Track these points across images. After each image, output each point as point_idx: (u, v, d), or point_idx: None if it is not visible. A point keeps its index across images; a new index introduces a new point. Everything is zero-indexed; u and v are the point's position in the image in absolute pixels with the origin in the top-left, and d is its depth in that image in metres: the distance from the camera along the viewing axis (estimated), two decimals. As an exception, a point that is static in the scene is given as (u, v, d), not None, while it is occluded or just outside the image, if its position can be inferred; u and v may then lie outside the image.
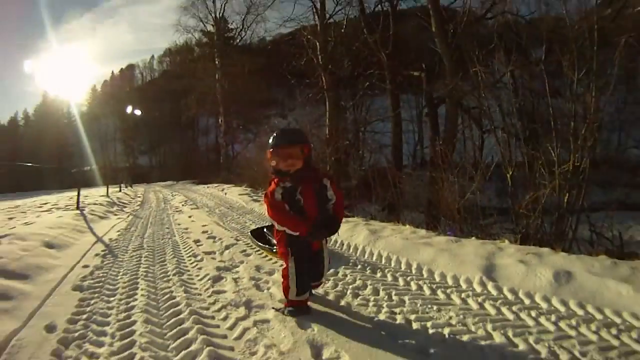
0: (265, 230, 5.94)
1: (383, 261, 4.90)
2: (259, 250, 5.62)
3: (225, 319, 3.24)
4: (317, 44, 14.13)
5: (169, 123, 51.61)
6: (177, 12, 45.59)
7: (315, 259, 3.27)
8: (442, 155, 7.84)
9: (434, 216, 8.09)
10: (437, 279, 4.21)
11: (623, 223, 7.84)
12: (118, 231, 7.90)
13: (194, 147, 50.45)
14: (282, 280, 3.26)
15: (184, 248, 6.17)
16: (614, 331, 2.93)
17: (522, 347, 2.71)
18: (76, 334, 2.93)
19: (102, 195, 15.55)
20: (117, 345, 2.76)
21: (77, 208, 10.47)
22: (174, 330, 3.00)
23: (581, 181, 6.83)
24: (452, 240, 5.47)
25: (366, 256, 5.21)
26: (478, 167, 7.51)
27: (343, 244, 5.90)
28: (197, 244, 6.36)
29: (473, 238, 5.80)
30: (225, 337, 2.91)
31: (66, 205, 11.64)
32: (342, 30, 14.63)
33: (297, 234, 3.01)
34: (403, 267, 4.63)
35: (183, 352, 2.64)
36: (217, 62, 34.55)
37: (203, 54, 38.57)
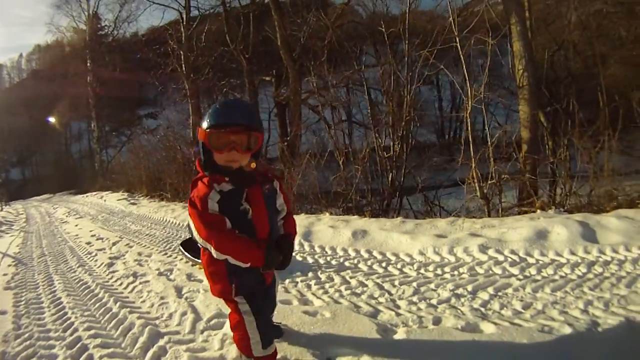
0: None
1: None
2: (144, 244, 7.07)
3: (120, 284, 4.78)
4: (181, 53, 15.16)
5: (39, 129, 48.31)
6: (49, 8, 41.93)
7: (269, 292, 2.48)
8: (284, 150, 9.78)
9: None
10: None
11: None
12: (17, 245, 8.67)
13: (68, 154, 46.26)
14: (232, 333, 2.40)
15: (79, 249, 7.40)
16: (383, 264, 4.17)
17: (310, 275, 4.09)
18: (22, 312, 4.21)
19: None
20: (54, 310, 4.16)
21: (-33, 230, 11.12)
22: (89, 296, 4.48)
23: (397, 163, 8.30)
24: None
25: None
26: (314, 156, 9.05)
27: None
28: (89, 245, 7.60)
29: (303, 214, 7.64)
30: (122, 293, 4.47)
31: None
32: (202, 44, 15.73)
33: (248, 265, 2.05)
34: None
35: (98, 304, 4.17)
36: (88, 64, 32.94)
37: (74, 55, 36.21)
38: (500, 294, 3.13)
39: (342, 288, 3.69)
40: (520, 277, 3.42)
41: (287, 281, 4.08)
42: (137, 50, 23.07)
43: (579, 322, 2.54)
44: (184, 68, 15.06)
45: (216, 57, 16.28)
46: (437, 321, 2.80)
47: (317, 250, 5.19)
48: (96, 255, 6.68)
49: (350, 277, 3.94)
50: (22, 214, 17.83)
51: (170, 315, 3.59)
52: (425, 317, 2.87)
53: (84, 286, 4.95)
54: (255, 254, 2.03)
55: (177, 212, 10.16)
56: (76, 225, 10.83)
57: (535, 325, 2.56)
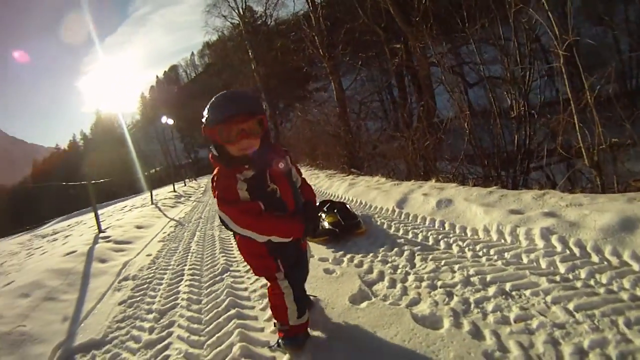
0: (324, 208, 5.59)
1: (352, 201, 7.60)
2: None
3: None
4: (315, 35, 16.05)
5: (220, 114, 55.02)
6: (203, 12, 45.07)
7: (302, 260, 2.61)
8: (420, 117, 9.95)
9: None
10: (371, 209, 6.49)
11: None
12: (185, 212, 11.65)
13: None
14: (270, 303, 2.58)
15: (226, 212, 9.45)
16: (440, 237, 4.19)
17: (371, 240, 4.58)
18: (162, 255, 6.21)
19: (171, 192, 19.99)
20: (182, 254, 5.98)
21: (152, 203, 14.15)
22: (209, 245, 6.18)
23: (523, 124, 7.35)
24: (394, 183, 7.85)
25: (344, 200, 7.88)
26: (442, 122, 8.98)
27: (330, 194, 8.86)
28: (240, 209, 9.64)
29: (412, 181, 7.85)
30: (231, 244, 5.94)
31: (142, 204, 15.81)
32: (327, 23, 16.44)
33: (291, 239, 2.26)
34: (357, 203, 7.25)
35: (210, 250, 5.78)
36: (250, 53, 36.81)
37: (236, 47, 40.74)
38: (513, 294, 2.72)
39: (380, 255, 4.00)
40: (558, 279, 2.80)
41: (349, 244, 4.64)
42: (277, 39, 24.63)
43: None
44: (319, 49, 16.00)
45: (346, 32, 16.83)
46: (412, 303, 2.85)
47: (402, 217, 5.49)
48: (238, 217, 8.25)
49: (397, 246, 4.13)
50: (202, 187, 21.81)
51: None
52: (408, 295, 2.97)
53: (210, 239, 6.70)
54: (296, 227, 2.22)
55: (320, 179, 11.92)
56: (237, 193, 13.10)
57: (492, 345, 2.23)
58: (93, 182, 9.69)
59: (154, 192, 16.84)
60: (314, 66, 20.06)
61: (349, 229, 4.84)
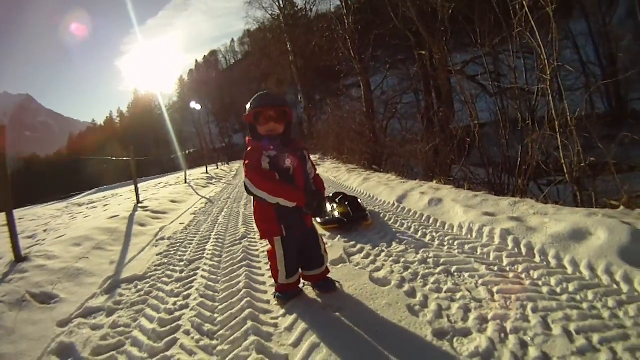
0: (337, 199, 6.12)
1: (361, 193, 8.59)
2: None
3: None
4: (347, 37, 16.78)
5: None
6: (245, 2, 45.84)
7: (307, 237, 3.16)
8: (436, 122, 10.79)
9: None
10: (377, 201, 7.38)
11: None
12: (215, 192, 12.89)
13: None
14: (269, 262, 3.27)
15: (253, 194, 10.50)
16: (421, 227, 4.91)
17: (384, 231, 5.04)
18: (193, 224, 7.29)
19: (203, 173, 21.35)
20: (210, 224, 7.04)
21: (185, 182, 15.31)
22: (233, 218, 7.24)
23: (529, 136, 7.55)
24: (401, 181, 8.77)
25: (356, 192, 8.93)
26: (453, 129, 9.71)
27: (346, 186, 9.78)
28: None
29: (417, 180, 8.74)
30: (252, 221, 6.76)
31: (176, 182, 17.20)
32: (358, 27, 16.98)
33: (294, 204, 2.81)
34: (366, 196, 8.15)
35: (233, 222, 6.83)
36: (288, 45, 37.52)
37: (276, 39, 40.93)
38: (455, 274, 3.33)
39: (367, 237, 4.85)
40: (496, 269, 3.35)
41: (354, 233, 5.21)
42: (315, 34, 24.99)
43: (445, 324, 2.58)
44: (350, 51, 16.64)
45: (376, 36, 17.42)
46: (375, 270, 3.66)
47: (399, 210, 6.28)
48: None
49: (384, 232, 4.98)
50: (233, 171, 23.38)
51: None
52: (375, 264, 3.81)
53: (236, 215, 7.74)
54: (299, 194, 2.79)
55: (341, 171, 12.92)
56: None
57: (417, 301, 2.91)
58: (136, 158, 10.79)
59: (188, 172, 18.00)
60: (345, 65, 20.54)
61: (357, 220, 5.34)
